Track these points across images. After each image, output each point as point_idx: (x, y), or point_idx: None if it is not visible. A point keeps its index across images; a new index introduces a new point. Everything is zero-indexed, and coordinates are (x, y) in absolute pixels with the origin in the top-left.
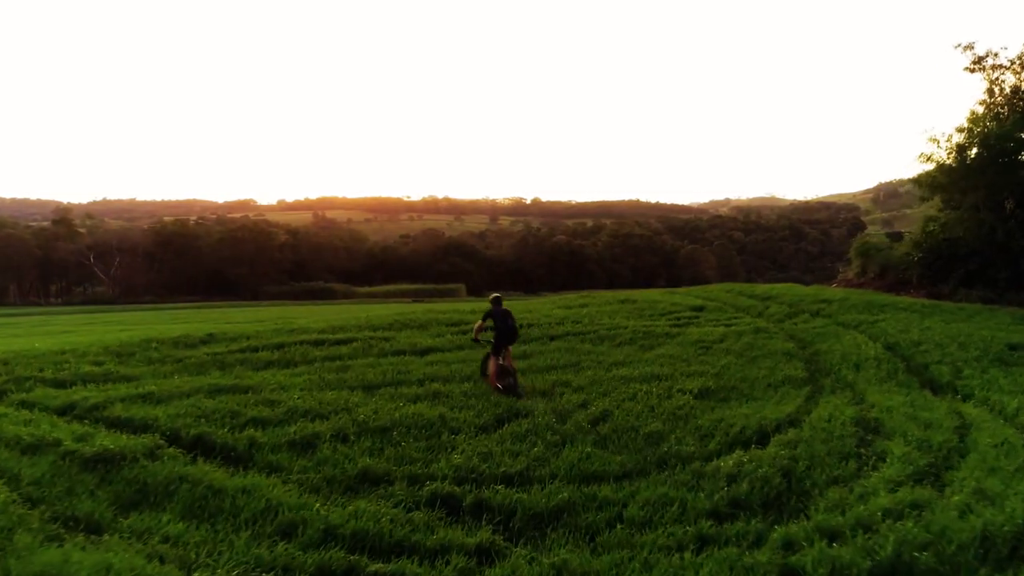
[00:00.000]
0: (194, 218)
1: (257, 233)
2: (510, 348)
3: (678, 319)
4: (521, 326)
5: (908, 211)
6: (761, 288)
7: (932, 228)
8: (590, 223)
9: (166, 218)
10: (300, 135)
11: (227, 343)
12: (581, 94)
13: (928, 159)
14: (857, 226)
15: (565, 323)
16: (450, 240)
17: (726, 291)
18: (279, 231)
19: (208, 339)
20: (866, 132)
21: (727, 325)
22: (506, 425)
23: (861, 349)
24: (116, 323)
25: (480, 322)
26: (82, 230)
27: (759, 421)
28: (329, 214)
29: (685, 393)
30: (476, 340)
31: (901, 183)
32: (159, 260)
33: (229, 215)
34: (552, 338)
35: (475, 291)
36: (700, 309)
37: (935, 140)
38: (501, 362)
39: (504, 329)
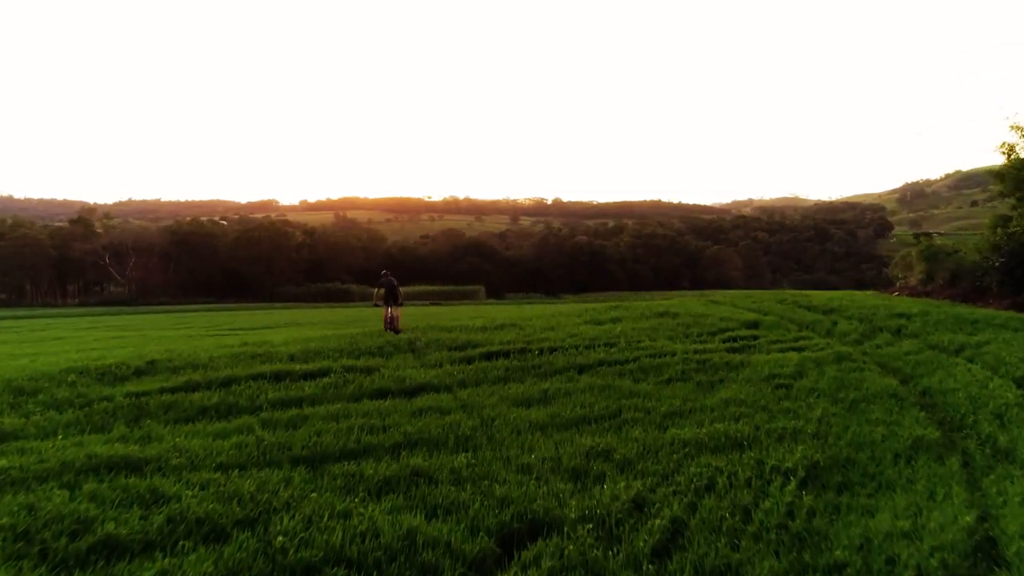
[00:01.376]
0: (215, 217)
1: (273, 233)
2: (399, 307)
3: (733, 340)
4: (541, 351)
5: (935, 211)
6: (819, 298)
7: (1016, 229)
8: (611, 223)
9: (186, 218)
10: (322, 136)
11: (166, 376)
12: (602, 94)
13: (1011, 150)
14: (883, 227)
15: (596, 347)
16: (469, 240)
17: (778, 301)
18: (296, 231)
19: (146, 369)
20: (891, 132)
21: (797, 349)
22: (514, 557)
23: (989, 388)
24: (116, 328)
25: (377, 290)
26: (100, 230)
27: (937, 553)
28: (350, 214)
29: (787, 477)
30: (376, 304)
31: (927, 183)
32: (175, 260)
33: (251, 215)
34: (581, 369)
35: (494, 292)
36: (755, 326)
37: (1018, 128)
38: (390, 314)
39: (390, 291)
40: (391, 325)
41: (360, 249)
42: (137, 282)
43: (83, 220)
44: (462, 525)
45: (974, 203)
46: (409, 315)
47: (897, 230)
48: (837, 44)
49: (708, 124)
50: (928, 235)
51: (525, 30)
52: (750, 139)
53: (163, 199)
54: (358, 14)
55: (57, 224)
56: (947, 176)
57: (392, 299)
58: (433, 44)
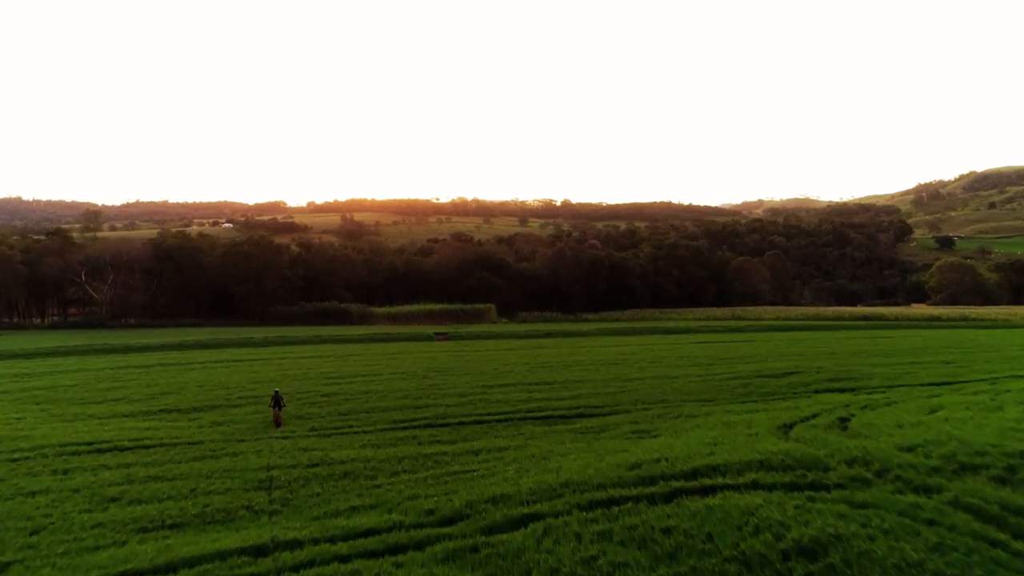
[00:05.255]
0: (221, 219)
1: (264, 248)
2: (281, 410)
3: None
4: None
5: (953, 214)
6: None
7: None
8: (622, 226)
9: (171, 231)
10: (330, 138)
11: None
12: (610, 95)
13: None
14: (903, 230)
15: None
16: (478, 253)
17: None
18: (291, 243)
19: None
20: (901, 131)
21: None
22: None
23: None
24: (32, 395)
25: (272, 403)
26: (80, 241)
27: None
28: (357, 216)
29: None
30: (272, 407)
31: (941, 184)
32: (158, 277)
33: (258, 217)
34: None
35: (506, 310)
36: None
37: None
38: (278, 414)
39: (277, 401)
40: (277, 422)
41: (361, 263)
42: (116, 301)
43: (61, 232)
44: None
45: (992, 205)
46: (401, 363)
47: (916, 233)
48: (846, 44)
49: (717, 124)
50: (949, 239)
51: (533, 32)
52: (759, 139)
53: (171, 200)
54: (367, 17)
55: (30, 237)
56: (961, 177)
57: (278, 406)
58: (442, 46)
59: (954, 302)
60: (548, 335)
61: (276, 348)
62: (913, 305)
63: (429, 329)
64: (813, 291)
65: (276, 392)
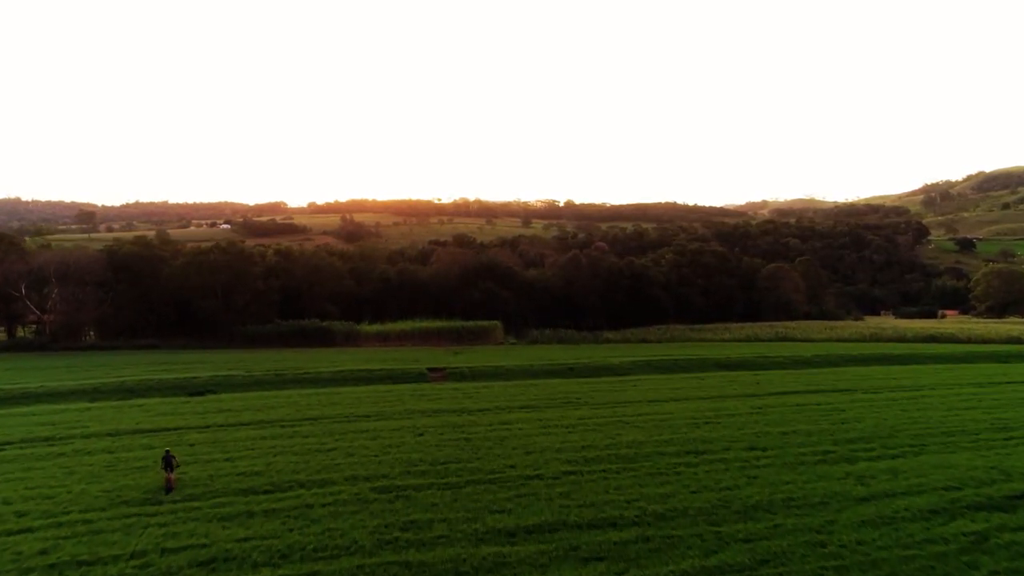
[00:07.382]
0: (220, 220)
1: (233, 256)
2: (172, 472)
3: None
4: None
5: (965, 215)
6: None
7: None
8: (628, 227)
9: (128, 238)
10: (331, 138)
11: None
12: (612, 95)
13: None
14: (920, 231)
15: None
16: (481, 260)
17: None
18: (268, 250)
19: None
20: (904, 131)
21: None
22: None
23: None
24: None
25: (164, 464)
26: (31, 249)
27: None
28: (358, 217)
29: None
30: (163, 469)
31: (950, 184)
32: (114, 290)
33: (257, 217)
34: None
35: (513, 327)
36: None
37: None
38: (169, 478)
39: (169, 462)
40: (169, 486)
41: (348, 272)
42: (62, 318)
43: (5, 239)
44: None
45: (1006, 206)
46: (371, 443)
47: (933, 235)
48: (848, 43)
49: (720, 124)
50: (969, 241)
51: (535, 32)
52: (760, 139)
53: (170, 201)
54: (369, 16)
55: None
56: (970, 177)
57: (169, 468)
58: (444, 46)
59: (1000, 313)
60: (571, 370)
61: (214, 399)
62: (947, 314)
63: (423, 357)
64: (834, 297)
65: (167, 452)
